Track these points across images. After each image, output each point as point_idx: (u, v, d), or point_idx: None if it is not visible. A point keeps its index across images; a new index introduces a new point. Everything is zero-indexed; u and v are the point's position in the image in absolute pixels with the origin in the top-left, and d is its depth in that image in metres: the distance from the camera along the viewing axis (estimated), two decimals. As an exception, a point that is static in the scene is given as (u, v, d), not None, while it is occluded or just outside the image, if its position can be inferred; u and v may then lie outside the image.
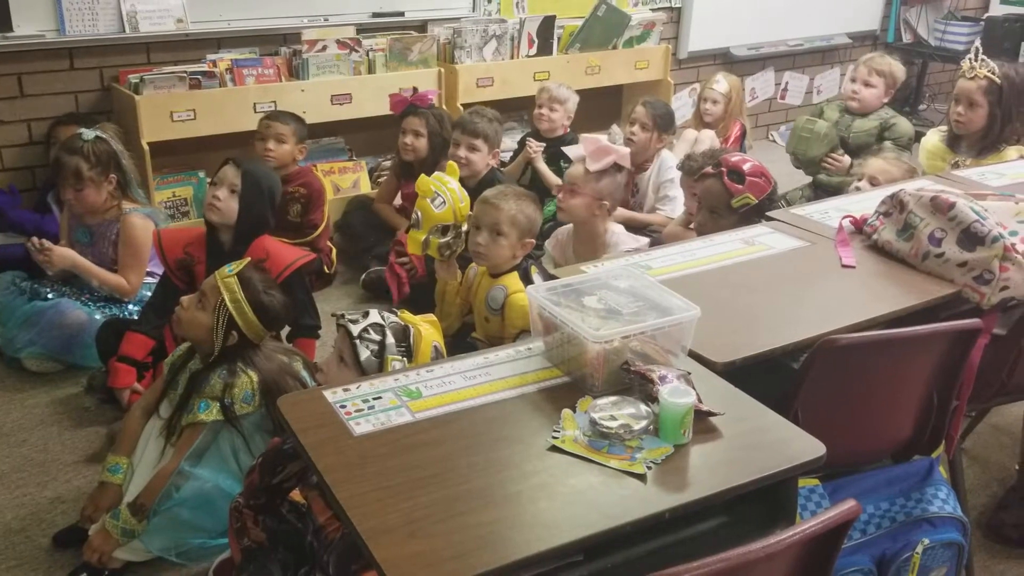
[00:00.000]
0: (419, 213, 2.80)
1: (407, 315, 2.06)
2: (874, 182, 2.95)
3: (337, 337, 2.03)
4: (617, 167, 3.03)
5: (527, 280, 2.74)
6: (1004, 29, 5.76)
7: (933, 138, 3.50)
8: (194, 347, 2.33)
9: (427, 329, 2.05)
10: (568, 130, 4.31)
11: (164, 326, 2.79)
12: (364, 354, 1.94)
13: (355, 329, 1.96)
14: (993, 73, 3.26)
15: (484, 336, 2.81)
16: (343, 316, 2.00)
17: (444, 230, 2.78)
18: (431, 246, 2.78)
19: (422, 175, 2.82)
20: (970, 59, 3.31)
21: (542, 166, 4.17)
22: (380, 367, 1.95)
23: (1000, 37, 5.56)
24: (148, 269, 3.17)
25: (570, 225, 3.15)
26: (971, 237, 1.99)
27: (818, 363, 1.68)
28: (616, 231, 3.07)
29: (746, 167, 2.74)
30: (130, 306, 3.16)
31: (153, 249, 2.93)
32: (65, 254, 3.09)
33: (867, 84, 4.03)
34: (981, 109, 3.27)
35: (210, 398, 2.20)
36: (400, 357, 1.97)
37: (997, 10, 6.48)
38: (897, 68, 4.09)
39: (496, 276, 2.76)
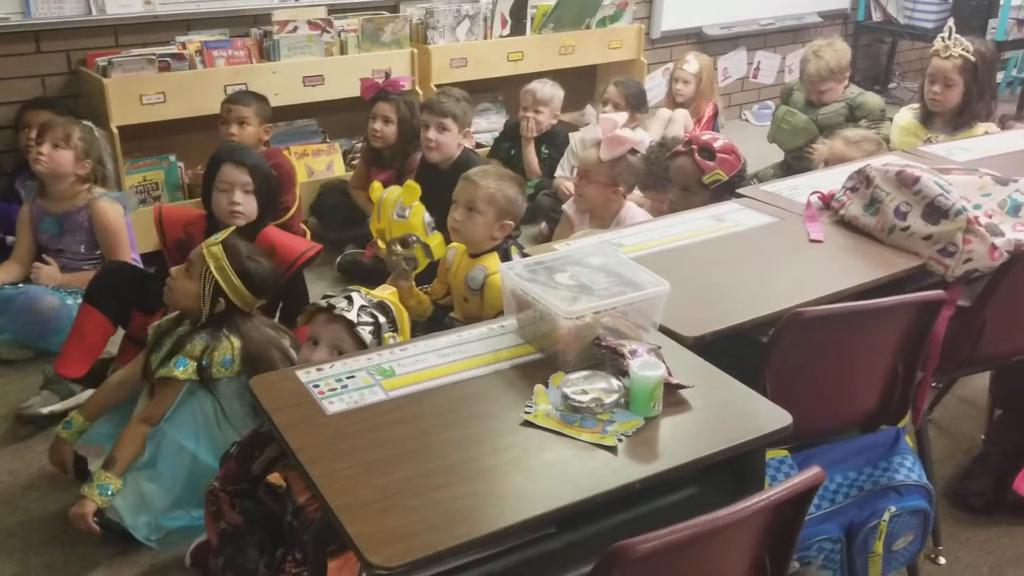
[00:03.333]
0: (377, 205, 2.75)
1: (375, 292, 2.07)
2: (829, 163, 2.98)
3: (322, 326, 1.97)
4: (632, 152, 3.01)
5: (507, 261, 2.75)
6: (972, 7, 5.81)
7: (906, 115, 3.53)
8: (184, 315, 2.33)
9: (394, 299, 2.07)
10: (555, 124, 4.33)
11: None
12: (368, 339, 1.93)
13: (351, 316, 1.94)
14: (967, 51, 3.29)
15: (463, 316, 2.81)
16: (333, 307, 1.96)
17: (404, 242, 2.73)
18: (394, 255, 2.73)
19: (409, 182, 2.74)
20: (943, 38, 3.34)
21: (530, 144, 4.18)
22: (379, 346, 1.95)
23: (968, 15, 5.60)
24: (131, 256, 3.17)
25: None
26: (935, 210, 2.02)
27: (785, 336, 1.71)
28: (630, 208, 3.07)
29: (716, 144, 2.77)
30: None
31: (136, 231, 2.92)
32: (52, 275, 3.09)
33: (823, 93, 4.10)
34: (957, 87, 3.30)
35: (189, 356, 2.22)
36: (393, 332, 1.99)
37: (966, -12, 6.53)
38: (842, 56, 4.11)
39: (475, 256, 2.76)
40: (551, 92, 4.25)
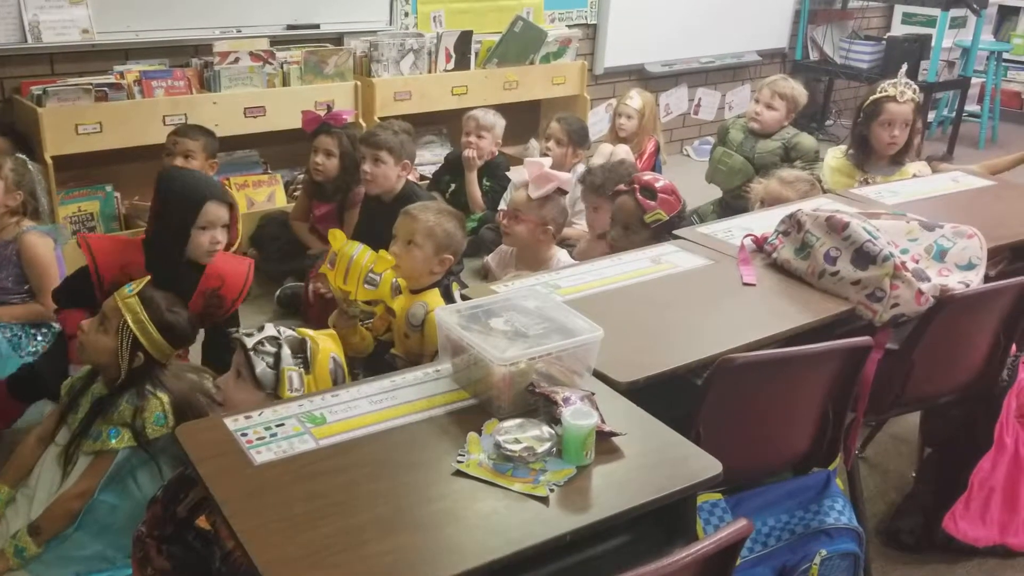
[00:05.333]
0: (343, 263, 2.68)
1: (303, 329, 2.05)
2: (764, 202, 3.04)
3: (235, 353, 2.00)
4: (560, 192, 3.07)
5: (448, 298, 2.74)
6: (903, 48, 6.00)
7: (837, 156, 3.60)
8: (96, 371, 2.26)
9: (325, 341, 2.04)
10: (496, 154, 4.35)
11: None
12: (259, 366, 1.92)
13: (249, 342, 1.94)
14: (916, 94, 3.40)
15: (404, 353, 2.79)
16: (237, 331, 1.98)
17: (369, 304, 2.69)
18: (353, 306, 2.66)
19: (383, 252, 2.70)
20: (896, 83, 3.41)
21: (472, 175, 4.19)
22: (276, 379, 1.93)
23: (899, 56, 5.78)
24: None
25: None
26: (864, 256, 2.07)
27: (717, 381, 1.73)
28: (560, 256, 3.11)
29: (658, 184, 2.81)
30: (30, 326, 3.06)
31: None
32: None
33: (769, 107, 4.15)
34: (908, 128, 3.38)
35: (119, 424, 2.14)
36: (296, 368, 1.95)
37: (898, 30, 6.76)
38: (800, 93, 4.21)
39: (416, 292, 2.75)
40: (493, 119, 4.28)
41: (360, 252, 2.60)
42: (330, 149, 3.75)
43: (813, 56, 6.60)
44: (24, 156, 3.15)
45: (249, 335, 1.95)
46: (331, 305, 3.38)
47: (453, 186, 4.35)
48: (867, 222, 2.13)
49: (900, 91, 3.37)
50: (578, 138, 4.28)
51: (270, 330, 1.97)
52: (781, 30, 6.44)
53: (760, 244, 2.34)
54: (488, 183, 4.31)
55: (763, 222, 2.49)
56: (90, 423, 2.16)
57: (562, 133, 4.24)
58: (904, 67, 3.59)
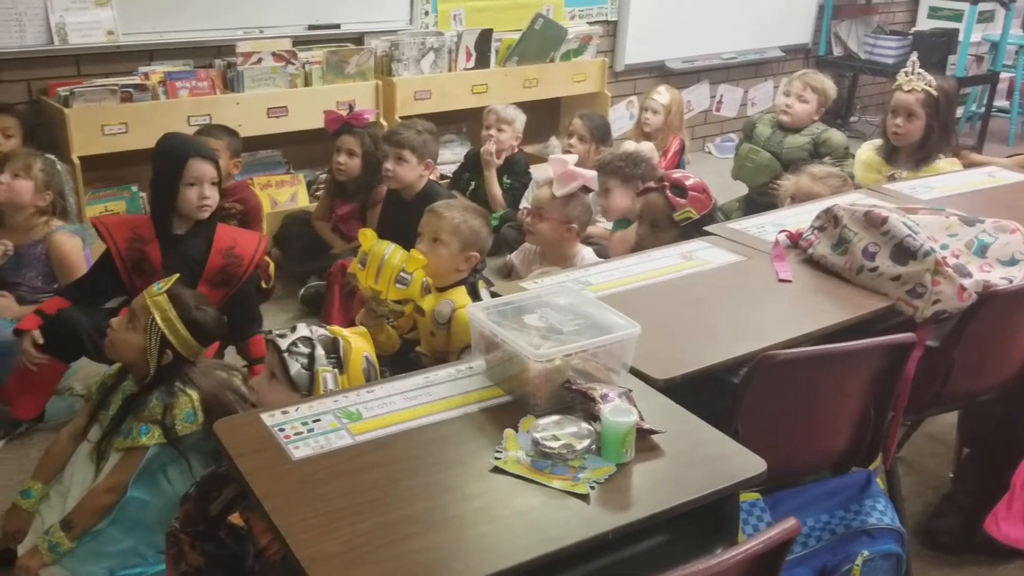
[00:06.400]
0: (374, 262, 2.64)
1: (335, 327, 2.04)
2: (795, 199, 3.00)
3: (266, 354, 1.99)
4: (585, 189, 3.04)
5: (475, 295, 2.72)
6: (931, 44, 5.93)
7: (868, 151, 3.56)
8: (127, 368, 2.26)
9: (357, 340, 2.03)
10: (516, 150, 4.32)
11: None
12: (294, 368, 1.91)
13: (283, 343, 1.94)
14: (930, 85, 3.34)
15: (429, 350, 2.78)
16: (271, 332, 1.98)
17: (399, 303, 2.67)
18: (383, 305, 2.65)
19: (414, 252, 2.70)
20: (906, 72, 3.38)
21: (492, 173, 4.17)
22: (311, 380, 1.92)
23: (928, 51, 5.71)
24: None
25: None
26: (903, 251, 2.03)
27: (757, 379, 1.70)
28: (585, 254, 3.08)
29: (689, 182, 2.77)
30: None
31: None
32: (9, 307, 3.00)
33: (800, 99, 4.10)
34: (919, 120, 3.33)
35: (150, 421, 2.14)
36: (331, 368, 1.95)
37: (924, 24, 6.68)
38: (830, 87, 4.18)
39: (442, 290, 2.73)
40: (514, 113, 4.27)
41: (392, 251, 2.58)
42: (352, 149, 3.74)
43: (837, 52, 6.54)
44: (52, 156, 3.17)
45: (282, 336, 1.94)
46: (355, 302, 3.39)
47: (473, 184, 4.33)
48: (906, 217, 2.10)
49: (907, 79, 3.33)
50: (600, 134, 4.25)
51: (303, 330, 1.96)
52: (804, 25, 6.39)
53: (795, 240, 2.31)
54: (508, 180, 4.28)
55: (796, 218, 2.45)
56: (121, 420, 2.16)
57: (584, 130, 4.22)
58: (914, 55, 3.51)
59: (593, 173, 3.10)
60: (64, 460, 2.24)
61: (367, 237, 2.64)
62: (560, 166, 3.08)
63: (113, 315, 2.36)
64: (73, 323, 2.60)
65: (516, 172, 4.28)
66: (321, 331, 1.99)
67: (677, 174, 2.86)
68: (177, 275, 2.27)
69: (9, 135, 3.45)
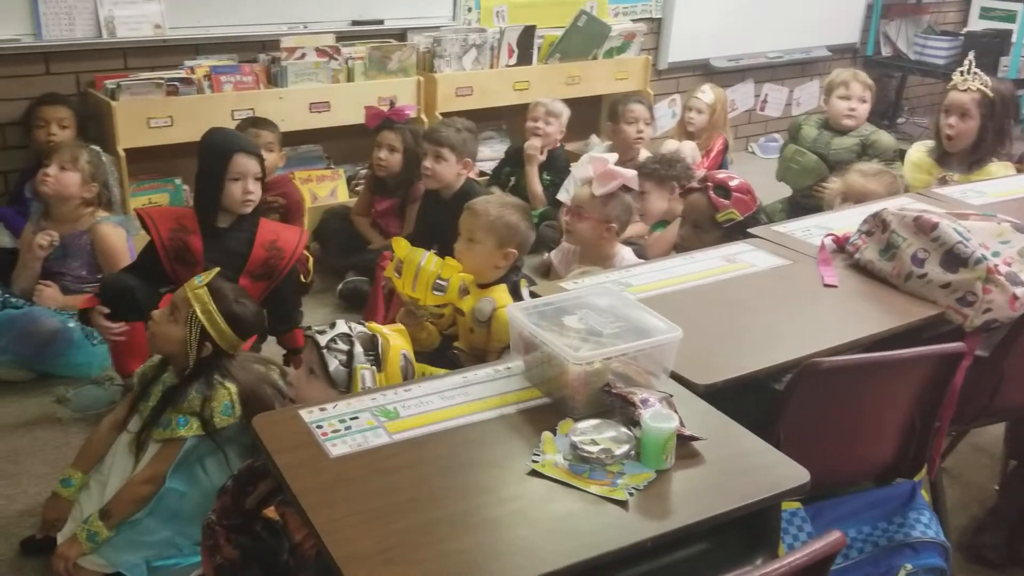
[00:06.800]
0: (409, 270, 2.67)
1: (374, 325, 2.04)
2: (846, 198, 2.95)
3: (305, 350, 2.00)
4: (625, 189, 3.01)
5: (516, 295, 2.70)
6: (983, 44, 5.81)
7: (919, 151, 3.50)
8: (167, 360, 2.28)
9: (395, 338, 2.03)
10: (559, 144, 4.30)
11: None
12: (332, 364, 1.92)
13: (322, 340, 1.95)
14: (986, 86, 3.27)
15: (467, 347, 2.77)
16: (310, 328, 1.99)
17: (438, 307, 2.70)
18: (422, 310, 2.68)
19: (449, 260, 2.70)
20: (962, 71, 3.32)
21: (533, 169, 4.16)
22: (349, 377, 1.93)
23: (979, 52, 5.57)
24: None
25: None
26: (954, 258, 1.98)
27: (801, 386, 1.67)
28: (624, 255, 3.05)
29: (732, 183, 2.73)
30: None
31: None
32: (54, 297, 3.07)
33: (862, 100, 4.04)
34: (973, 121, 3.26)
35: (188, 413, 2.16)
36: (369, 366, 1.95)
37: (976, 25, 6.54)
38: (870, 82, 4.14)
39: (484, 287, 2.72)
40: (561, 107, 4.25)
41: (427, 260, 2.59)
42: (393, 144, 3.75)
43: (885, 51, 6.43)
44: (98, 148, 3.21)
45: (322, 332, 1.95)
46: (395, 301, 3.40)
47: (513, 180, 4.31)
48: (957, 223, 2.04)
49: (963, 79, 3.26)
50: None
51: (342, 327, 1.97)
52: (852, 24, 6.28)
53: (841, 244, 2.26)
54: (548, 177, 4.26)
55: (843, 221, 2.41)
56: (160, 411, 2.19)
57: (648, 114, 4.23)
58: (971, 54, 3.43)
59: (633, 172, 3.07)
60: (104, 450, 2.27)
61: (401, 246, 2.66)
62: (600, 165, 3.05)
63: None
64: (123, 284, 2.65)
65: (556, 168, 4.25)
66: (360, 328, 2.00)
67: (721, 175, 2.82)
68: (218, 268, 2.29)
69: (64, 126, 3.51)
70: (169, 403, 2.19)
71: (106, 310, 2.62)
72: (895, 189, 2.88)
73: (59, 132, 3.50)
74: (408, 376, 2.00)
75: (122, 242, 3.15)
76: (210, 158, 2.73)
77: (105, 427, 2.32)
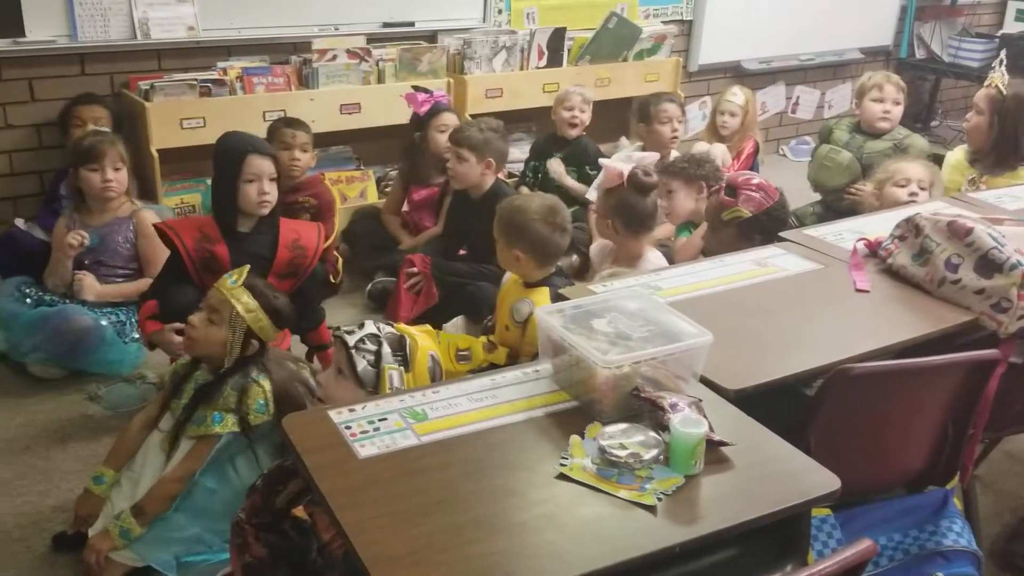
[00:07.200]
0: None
1: (402, 325, 2.05)
2: (922, 185, 2.96)
3: (334, 350, 2.02)
4: (632, 186, 2.99)
5: (556, 299, 2.71)
6: (1018, 46, 5.71)
7: (959, 152, 3.51)
8: (198, 359, 2.30)
9: (423, 339, 2.04)
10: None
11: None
12: (361, 364, 1.94)
13: (351, 340, 1.96)
14: (1001, 84, 3.26)
15: (500, 342, 2.78)
16: (339, 328, 2.01)
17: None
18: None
19: (475, 341, 2.72)
20: (993, 67, 3.32)
21: (569, 182, 4.14)
22: (377, 377, 1.94)
23: (1014, 54, 5.51)
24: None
25: None
26: (989, 264, 1.96)
27: (833, 392, 1.65)
28: (650, 256, 3.05)
29: (740, 179, 2.69)
30: (136, 312, 3.16)
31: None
32: (93, 287, 3.11)
33: (896, 103, 4.00)
34: (983, 117, 3.28)
35: (223, 410, 2.18)
36: (397, 366, 1.96)
37: (1012, 27, 6.45)
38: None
39: (529, 287, 2.71)
40: (591, 93, 4.23)
41: (441, 343, 2.59)
42: (452, 125, 3.73)
43: (919, 54, 6.35)
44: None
45: (350, 332, 1.96)
46: (421, 299, 3.42)
47: (540, 172, 4.27)
48: (991, 228, 2.02)
49: (989, 76, 3.27)
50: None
51: (370, 327, 1.98)
52: (886, 26, 6.21)
53: (873, 249, 2.24)
54: (573, 167, 4.21)
55: (876, 226, 2.38)
56: (193, 409, 2.20)
57: (682, 113, 4.21)
58: (1003, 52, 3.42)
59: (624, 167, 3.05)
60: (135, 448, 2.29)
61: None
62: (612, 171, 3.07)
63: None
64: (186, 300, 2.60)
65: (582, 159, 4.19)
66: (388, 329, 2.01)
67: (742, 176, 2.78)
68: (247, 266, 2.30)
69: (102, 126, 3.55)
70: (203, 400, 2.21)
71: (180, 326, 2.57)
72: (936, 179, 2.87)
73: None
74: (436, 377, 2.01)
75: None
76: (224, 160, 2.73)
77: (136, 425, 2.34)
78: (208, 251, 2.67)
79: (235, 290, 2.20)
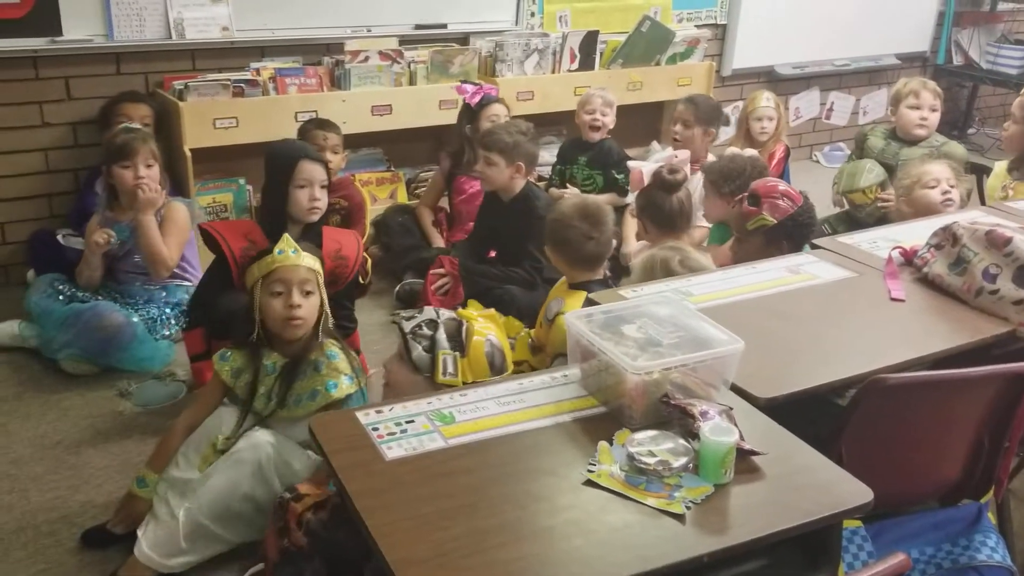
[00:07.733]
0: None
1: (464, 311, 2.08)
2: (951, 183, 2.94)
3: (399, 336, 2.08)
4: (659, 186, 3.00)
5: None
6: (1058, 54, 5.64)
7: (1003, 163, 3.47)
8: (254, 349, 2.28)
9: (482, 323, 2.06)
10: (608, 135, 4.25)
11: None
12: (416, 350, 1.99)
13: (407, 326, 2.01)
14: None
15: (537, 339, 2.82)
16: (398, 315, 2.06)
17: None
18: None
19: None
20: None
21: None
22: (432, 363, 1.98)
23: (1054, 62, 5.45)
24: (179, 264, 3.21)
25: None
26: (1028, 274, 1.92)
27: (866, 402, 1.63)
28: None
29: (764, 186, 2.64)
30: (167, 309, 3.19)
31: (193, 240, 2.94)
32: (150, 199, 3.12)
33: (933, 109, 3.94)
34: (1020, 125, 3.22)
35: (335, 374, 2.19)
36: (451, 351, 1.98)
37: (1052, 34, 6.35)
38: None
39: (574, 287, 2.72)
40: (612, 96, 4.20)
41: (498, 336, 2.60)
42: (503, 116, 3.75)
43: (957, 60, 6.26)
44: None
45: (409, 318, 1.99)
46: (449, 299, 3.42)
47: (567, 173, 4.25)
48: (1031, 238, 1.98)
49: None
50: (708, 117, 4.05)
51: (429, 313, 2.02)
52: (923, 32, 6.13)
53: (909, 257, 2.21)
54: (599, 171, 4.17)
55: (911, 234, 2.35)
56: (286, 392, 2.21)
57: (688, 114, 4.05)
58: None
59: (648, 167, 3.04)
60: (177, 448, 2.26)
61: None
62: (635, 174, 3.08)
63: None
64: (234, 307, 2.56)
65: (608, 163, 4.16)
66: (448, 314, 2.04)
67: (764, 184, 2.72)
68: (285, 234, 2.32)
69: (146, 124, 3.59)
70: (294, 378, 2.21)
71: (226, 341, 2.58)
72: (964, 180, 2.83)
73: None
74: (495, 362, 2.03)
75: (186, 219, 3.22)
76: (276, 166, 2.75)
77: (179, 428, 2.30)
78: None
79: (304, 256, 2.24)
